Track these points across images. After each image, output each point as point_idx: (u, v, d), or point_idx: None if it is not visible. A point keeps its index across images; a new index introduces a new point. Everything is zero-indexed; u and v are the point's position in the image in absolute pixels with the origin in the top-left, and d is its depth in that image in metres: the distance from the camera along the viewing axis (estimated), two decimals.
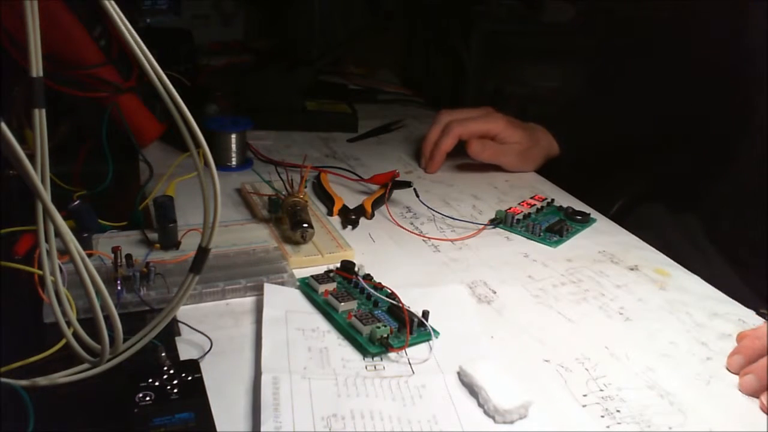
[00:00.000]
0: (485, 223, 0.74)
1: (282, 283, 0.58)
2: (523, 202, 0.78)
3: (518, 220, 0.74)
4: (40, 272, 0.43)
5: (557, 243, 0.71)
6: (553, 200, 0.80)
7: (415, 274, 0.63)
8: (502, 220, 0.74)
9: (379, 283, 0.57)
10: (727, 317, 0.59)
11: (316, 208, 0.73)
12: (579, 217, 0.75)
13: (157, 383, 0.43)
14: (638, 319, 0.58)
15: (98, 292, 0.39)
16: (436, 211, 0.75)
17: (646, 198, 0.95)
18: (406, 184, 0.77)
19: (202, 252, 0.44)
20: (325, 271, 0.59)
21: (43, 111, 0.36)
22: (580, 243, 0.71)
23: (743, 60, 0.80)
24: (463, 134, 0.87)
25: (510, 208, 0.75)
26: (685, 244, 0.83)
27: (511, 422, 0.44)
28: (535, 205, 0.77)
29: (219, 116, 0.91)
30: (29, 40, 0.35)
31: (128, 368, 0.44)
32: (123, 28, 0.37)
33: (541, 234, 0.72)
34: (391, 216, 0.74)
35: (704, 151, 0.87)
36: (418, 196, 0.76)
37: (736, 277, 0.76)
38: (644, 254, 0.69)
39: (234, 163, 0.86)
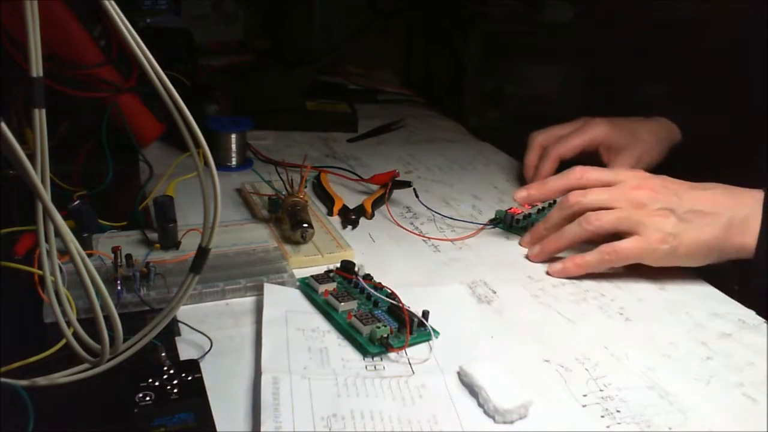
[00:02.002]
0: (485, 222, 0.74)
1: (282, 283, 0.58)
2: (528, 206, 0.77)
3: (518, 220, 0.74)
4: (40, 272, 0.43)
5: None
6: (555, 201, 0.80)
7: (415, 274, 0.63)
8: (501, 220, 0.74)
9: (379, 283, 0.57)
10: (727, 317, 0.59)
11: (316, 208, 0.73)
12: None
13: (157, 383, 0.43)
14: (638, 319, 0.58)
15: (98, 292, 0.39)
16: (436, 212, 0.75)
17: None
18: (406, 184, 0.77)
19: (202, 252, 0.44)
20: (325, 271, 0.59)
21: (43, 111, 0.36)
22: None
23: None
24: (564, 154, 0.81)
25: (511, 209, 0.75)
26: None
27: (511, 422, 0.44)
28: (536, 206, 0.77)
29: (219, 116, 0.91)
30: (29, 40, 0.35)
31: (128, 368, 0.44)
32: (123, 28, 0.37)
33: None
34: (391, 216, 0.74)
35: (725, 145, 0.85)
36: (417, 196, 0.76)
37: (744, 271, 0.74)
38: None
39: (234, 163, 0.86)
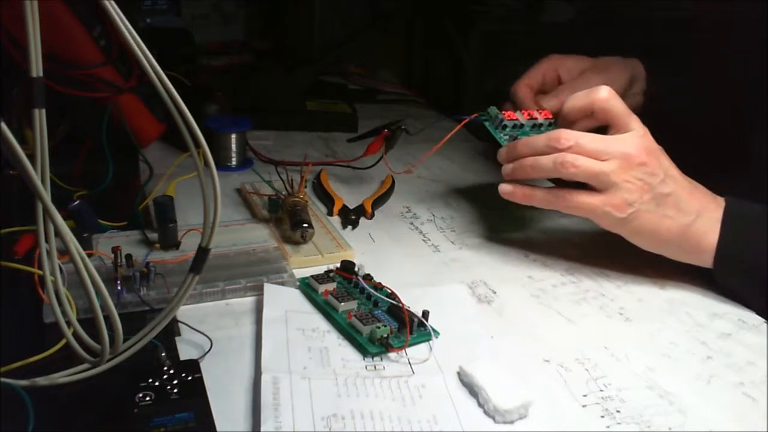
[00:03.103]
0: (471, 116, 0.68)
1: (282, 283, 0.58)
2: (526, 111, 0.69)
3: (506, 125, 0.67)
4: (40, 272, 0.43)
5: None
6: (556, 121, 0.70)
7: (415, 274, 0.63)
8: (489, 119, 0.68)
9: (379, 283, 0.57)
10: (727, 317, 0.59)
11: (316, 208, 0.73)
12: None
13: (157, 383, 0.43)
14: (638, 319, 0.58)
15: (98, 292, 0.39)
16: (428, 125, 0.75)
17: None
18: (399, 131, 0.77)
19: (202, 252, 0.44)
20: (325, 271, 0.59)
21: (43, 111, 0.36)
22: (579, 242, 0.71)
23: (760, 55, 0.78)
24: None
25: (505, 111, 0.68)
26: None
27: (511, 422, 0.45)
28: (536, 119, 0.68)
29: (219, 116, 0.91)
30: (29, 40, 0.35)
31: (128, 368, 0.44)
32: (123, 28, 0.37)
33: None
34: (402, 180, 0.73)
35: (720, 146, 0.84)
36: (409, 132, 0.77)
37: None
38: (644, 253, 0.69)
39: (234, 163, 0.86)
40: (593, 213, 0.61)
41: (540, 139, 0.62)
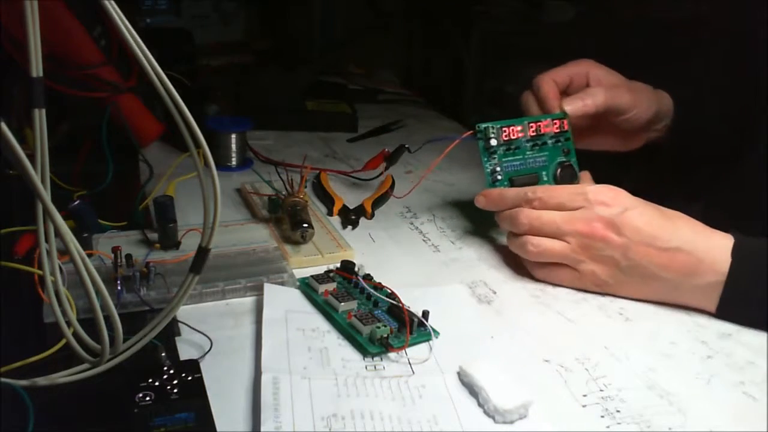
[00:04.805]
0: (466, 133, 0.68)
1: (282, 283, 0.58)
2: (534, 124, 0.68)
3: (494, 150, 0.67)
4: (40, 272, 0.43)
5: None
6: (566, 140, 0.69)
7: (415, 274, 0.63)
8: (484, 138, 0.67)
9: (379, 283, 0.57)
10: None
11: (316, 208, 0.73)
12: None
13: (157, 383, 0.43)
14: (638, 319, 0.58)
15: (98, 292, 0.39)
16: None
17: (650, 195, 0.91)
18: (401, 149, 0.78)
19: (202, 252, 0.44)
20: (325, 271, 0.59)
21: (43, 111, 0.36)
22: None
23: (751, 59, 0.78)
24: (555, 77, 0.72)
25: (507, 126, 0.67)
26: None
27: (511, 422, 0.44)
28: (542, 135, 0.67)
29: (219, 116, 0.92)
30: (29, 40, 0.35)
31: (128, 368, 0.44)
32: (123, 28, 0.37)
33: (496, 184, 0.67)
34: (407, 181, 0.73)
35: (709, 151, 0.84)
36: (410, 150, 0.77)
37: None
38: None
39: (234, 163, 0.86)
40: (577, 285, 0.61)
41: (503, 221, 0.64)
